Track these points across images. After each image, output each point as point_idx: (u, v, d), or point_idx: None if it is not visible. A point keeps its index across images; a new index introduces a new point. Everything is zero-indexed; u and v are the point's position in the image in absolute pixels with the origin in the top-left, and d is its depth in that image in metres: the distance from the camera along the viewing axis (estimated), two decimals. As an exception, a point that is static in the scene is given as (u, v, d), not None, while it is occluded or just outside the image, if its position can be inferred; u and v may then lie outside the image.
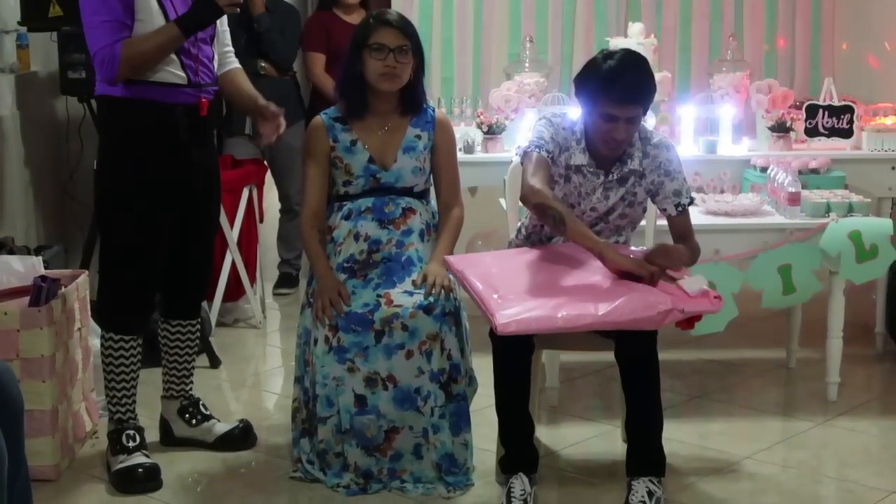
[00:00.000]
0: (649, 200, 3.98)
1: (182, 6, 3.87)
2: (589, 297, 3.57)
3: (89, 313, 4.42)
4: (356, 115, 4.02)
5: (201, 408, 4.30)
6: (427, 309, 3.82)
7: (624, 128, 3.77)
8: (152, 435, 4.23)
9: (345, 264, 3.97)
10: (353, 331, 3.81)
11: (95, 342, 4.29)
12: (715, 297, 3.67)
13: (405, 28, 3.98)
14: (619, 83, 3.72)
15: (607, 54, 3.81)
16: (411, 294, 3.85)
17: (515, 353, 3.72)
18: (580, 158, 3.87)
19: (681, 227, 3.95)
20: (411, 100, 4.05)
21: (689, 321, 3.65)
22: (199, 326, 4.31)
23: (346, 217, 4.03)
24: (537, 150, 3.83)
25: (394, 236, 3.99)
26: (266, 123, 4.16)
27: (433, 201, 4.15)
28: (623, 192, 3.90)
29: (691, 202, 3.96)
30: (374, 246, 3.97)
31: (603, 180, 3.89)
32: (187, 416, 4.27)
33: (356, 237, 3.99)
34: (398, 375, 3.83)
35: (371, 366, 3.82)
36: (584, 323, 3.51)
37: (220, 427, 4.28)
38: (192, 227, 4.09)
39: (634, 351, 3.71)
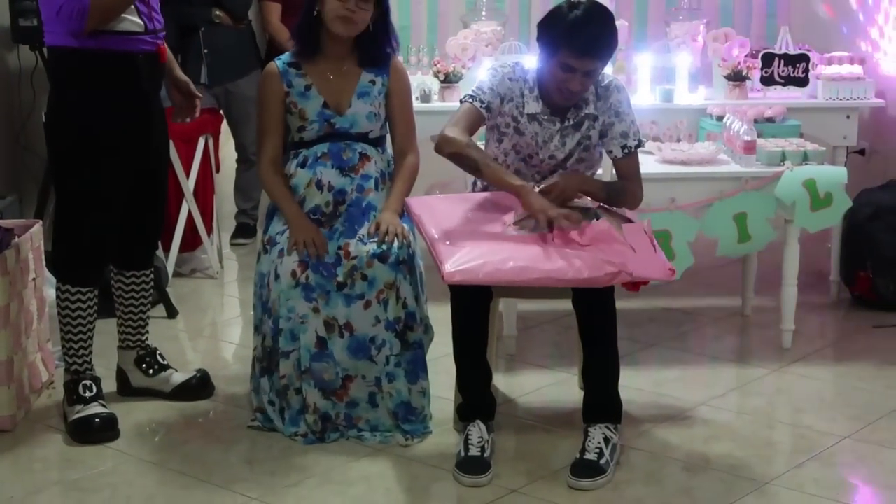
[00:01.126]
0: None
1: None
2: (540, 251, 3.58)
3: (44, 263, 4.38)
4: (308, 58, 3.99)
5: (158, 357, 4.28)
6: (381, 257, 3.82)
7: (580, 80, 3.76)
8: (109, 385, 4.22)
9: (311, 216, 3.95)
10: (320, 273, 3.82)
11: (51, 292, 4.26)
12: (669, 269, 3.66)
13: None
14: (581, 35, 3.71)
15: (573, 4, 3.78)
16: (365, 242, 3.86)
17: (473, 302, 3.73)
18: (534, 107, 3.87)
19: (626, 169, 3.96)
20: (368, 51, 4.01)
21: (636, 284, 3.66)
22: (152, 276, 4.28)
23: (303, 165, 4.01)
24: (470, 100, 3.86)
25: (355, 182, 3.99)
26: (179, 97, 4.14)
27: (389, 150, 4.14)
28: (579, 136, 3.91)
29: (639, 145, 3.96)
30: (340, 196, 3.97)
31: (559, 127, 3.89)
32: (144, 366, 4.25)
33: (319, 186, 3.98)
34: (355, 324, 3.84)
35: (330, 311, 3.83)
36: (530, 277, 3.52)
37: (178, 377, 4.27)
38: (146, 175, 4.05)
39: (591, 299, 3.72)
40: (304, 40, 4.00)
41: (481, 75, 5.07)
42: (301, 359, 3.85)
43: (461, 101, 3.91)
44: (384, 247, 3.83)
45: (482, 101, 3.85)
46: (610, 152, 3.95)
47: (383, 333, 3.85)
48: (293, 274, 3.82)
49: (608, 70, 5.24)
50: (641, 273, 3.59)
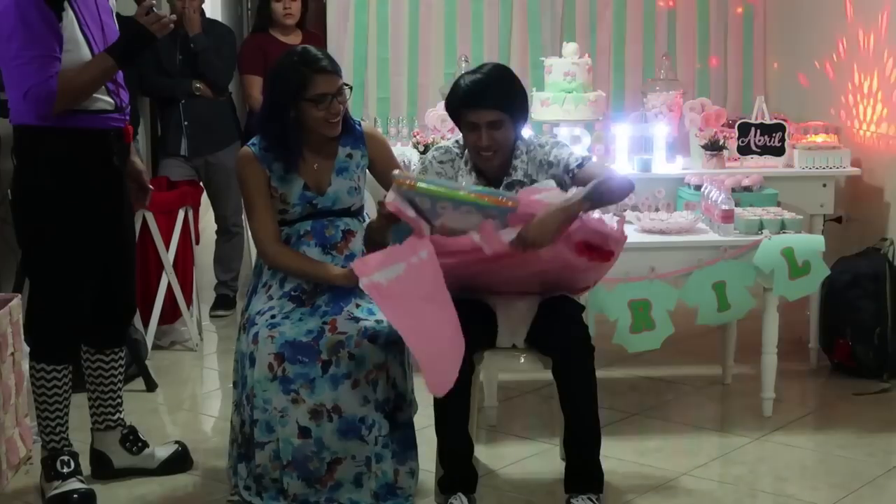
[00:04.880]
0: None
1: (98, 34, 3.85)
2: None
3: (22, 337, 4.35)
4: (293, 161, 3.93)
5: (140, 435, 4.23)
6: (371, 337, 3.78)
7: (487, 134, 3.79)
8: (86, 462, 4.16)
9: (292, 293, 3.91)
10: (300, 361, 3.75)
11: (28, 366, 4.23)
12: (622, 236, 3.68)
13: (336, 67, 3.91)
14: (470, 87, 3.81)
15: (472, 70, 3.92)
16: (357, 321, 3.82)
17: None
18: (467, 179, 3.89)
19: (588, 176, 3.80)
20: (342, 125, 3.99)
21: (603, 254, 3.66)
22: (123, 354, 4.22)
23: (286, 242, 3.98)
24: None
25: (338, 262, 3.94)
26: (132, 185, 4.13)
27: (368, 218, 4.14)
28: None
29: (584, 160, 3.88)
30: None
31: None
32: (128, 444, 4.19)
33: None
34: (343, 406, 3.77)
35: (317, 398, 3.75)
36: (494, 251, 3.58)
37: (161, 451, 4.23)
38: (117, 252, 4.03)
39: (572, 368, 3.72)
40: (286, 149, 3.91)
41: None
42: (281, 452, 3.78)
43: None
44: (375, 325, 3.78)
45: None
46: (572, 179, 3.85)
47: (373, 414, 3.80)
48: (270, 367, 3.76)
49: (586, 141, 5.33)
50: (586, 235, 3.61)
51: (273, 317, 3.85)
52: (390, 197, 3.67)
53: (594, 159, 4.01)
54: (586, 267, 3.72)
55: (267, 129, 3.94)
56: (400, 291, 3.60)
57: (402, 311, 3.58)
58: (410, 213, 3.65)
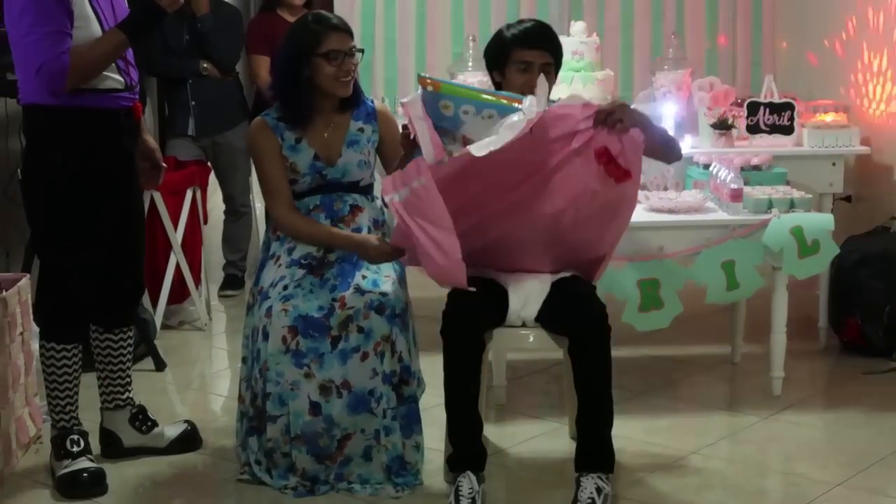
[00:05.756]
0: None
1: (108, 10, 3.84)
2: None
3: (31, 317, 4.36)
4: (304, 121, 3.98)
5: (149, 414, 4.24)
6: (378, 309, 3.80)
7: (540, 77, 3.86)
8: (96, 441, 4.17)
9: (302, 261, 3.94)
10: (311, 336, 3.78)
11: (37, 346, 4.23)
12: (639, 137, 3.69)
13: (348, 28, 4.00)
14: (528, 29, 3.94)
15: (512, 23, 4.01)
16: (363, 293, 3.83)
17: (466, 352, 3.71)
18: None
19: None
20: (352, 95, 4.03)
21: (620, 172, 3.66)
22: (131, 333, 4.23)
23: (296, 216, 4.02)
24: None
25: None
26: (144, 164, 4.12)
27: (378, 198, 4.15)
28: None
29: None
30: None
31: None
32: (137, 423, 4.20)
33: None
34: (353, 380, 3.79)
35: (326, 373, 3.78)
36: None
37: (170, 431, 4.24)
38: (126, 232, 4.04)
39: (589, 346, 3.71)
40: (297, 108, 3.98)
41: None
42: (291, 425, 3.81)
43: None
44: (380, 298, 3.80)
45: None
46: None
47: (381, 386, 3.82)
48: (283, 340, 3.78)
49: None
50: (605, 140, 3.64)
51: (285, 287, 3.87)
52: (411, 98, 3.67)
53: None
54: (604, 191, 3.70)
55: (279, 87, 4.00)
56: (407, 213, 3.65)
57: (408, 231, 3.64)
58: (422, 126, 3.64)
